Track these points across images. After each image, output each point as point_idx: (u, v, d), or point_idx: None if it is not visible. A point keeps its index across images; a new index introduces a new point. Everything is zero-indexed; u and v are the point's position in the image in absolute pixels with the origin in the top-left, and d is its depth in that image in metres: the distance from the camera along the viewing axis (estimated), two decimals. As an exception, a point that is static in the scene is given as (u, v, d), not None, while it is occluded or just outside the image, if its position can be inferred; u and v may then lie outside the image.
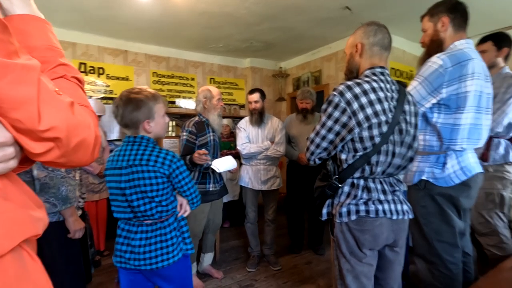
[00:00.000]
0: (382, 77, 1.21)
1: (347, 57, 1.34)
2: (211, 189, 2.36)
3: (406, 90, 1.28)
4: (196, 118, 2.39)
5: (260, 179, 2.73)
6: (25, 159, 0.50)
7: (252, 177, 2.75)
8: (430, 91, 1.43)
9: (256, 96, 2.73)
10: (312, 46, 4.48)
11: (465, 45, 1.47)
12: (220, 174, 2.44)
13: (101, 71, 3.94)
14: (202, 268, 2.65)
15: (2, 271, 0.42)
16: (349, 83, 1.16)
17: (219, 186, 2.44)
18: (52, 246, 1.52)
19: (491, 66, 1.95)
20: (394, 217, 1.18)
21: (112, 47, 4.01)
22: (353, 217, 1.16)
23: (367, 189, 1.18)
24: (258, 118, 2.74)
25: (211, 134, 2.37)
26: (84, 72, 3.82)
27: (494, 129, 1.90)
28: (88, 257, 2.50)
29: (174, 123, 4.37)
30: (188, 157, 2.18)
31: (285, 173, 3.22)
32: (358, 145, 1.15)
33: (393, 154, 1.17)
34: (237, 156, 3.04)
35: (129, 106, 1.33)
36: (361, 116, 1.12)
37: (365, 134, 1.13)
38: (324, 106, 1.21)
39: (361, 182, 1.19)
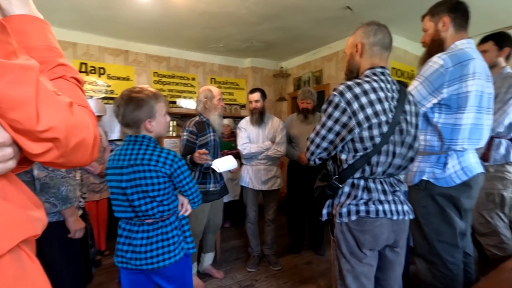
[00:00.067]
0: (382, 77, 1.20)
1: (347, 57, 1.34)
2: (211, 189, 2.36)
3: (407, 90, 1.28)
4: (197, 118, 2.39)
5: (261, 179, 2.73)
6: (24, 159, 0.50)
7: (252, 177, 2.75)
8: (431, 91, 1.42)
9: (256, 96, 2.73)
10: (313, 46, 4.48)
11: (466, 45, 1.47)
12: (220, 174, 2.44)
13: (102, 71, 3.94)
14: (203, 268, 2.65)
15: (1, 272, 0.42)
16: (349, 83, 1.16)
17: (219, 186, 2.44)
18: (53, 246, 1.52)
19: (492, 66, 1.95)
20: (395, 217, 1.18)
21: (112, 47, 4.01)
22: (353, 218, 1.16)
23: (367, 189, 1.18)
24: (259, 117, 2.74)
25: (211, 134, 2.37)
26: (85, 72, 3.82)
27: (495, 129, 1.90)
28: (88, 257, 2.51)
29: (175, 123, 4.38)
30: (188, 157, 2.18)
31: (286, 173, 3.22)
32: (358, 145, 1.15)
33: (394, 154, 1.16)
34: (237, 156, 3.04)
35: (131, 105, 1.32)
36: (361, 116, 1.11)
37: (365, 134, 1.13)
38: (324, 106, 1.21)
39: (362, 182, 1.19)
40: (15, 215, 0.45)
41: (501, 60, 2.02)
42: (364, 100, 1.12)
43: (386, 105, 1.14)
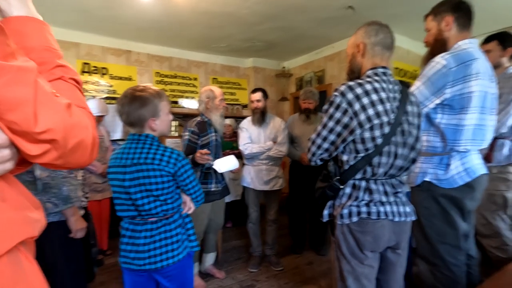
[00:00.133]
0: (384, 77, 1.19)
1: (349, 57, 1.33)
2: (213, 189, 2.36)
3: (409, 91, 1.27)
4: (199, 118, 2.39)
5: (262, 179, 2.72)
6: (23, 160, 0.50)
7: (254, 177, 2.74)
8: (434, 92, 1.41)
9: (258, 95, 2.72)
10: (315, 46, 4.47)
11: (469, 45, 1.45)
12: (222, 174, 2.44)
13: (104, 71, 3.96)
14: (204, 268, 2.65)
15: (-2, 273, 0.42)
16: (351, 83, 1.15)
17: (221, 186, 2.43)
18: (54, 245, 1.53)
19: (496, 66, 1.93)
20: (396, 219, 1.17)
21: (115, 47, 4.02)
22: (354, 219, 1.15)
23: (368, 190, 1.17)
24: (260, 117, 2.74)
25: (213, 134, 2.37)
26: (88, 72, 3.84)
27: (499, 130, 1.88)
28: (90, 256, 2.51)
29: (177, 123, 4.38)
30: (190, 157, 2.19)
31: (288, 173, 3.21)
32: (360, 146, 1.14)
33: (395, 155, 1.16)
34: (239, 156, 3.04)
35: (135, 103, 1.31)
36: (362, 117, 1.11)
37: (367, 135, 1.12)
38: (325, 107, 1.20)
39: (363, 183, 1.18)
40: (12, 216, 0.45)
41: (505, 60, 2.00)
42: (365, 100, 1.11)
43: (387, 105, 1.13)
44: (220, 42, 4.25)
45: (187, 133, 2.31)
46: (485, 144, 1.52)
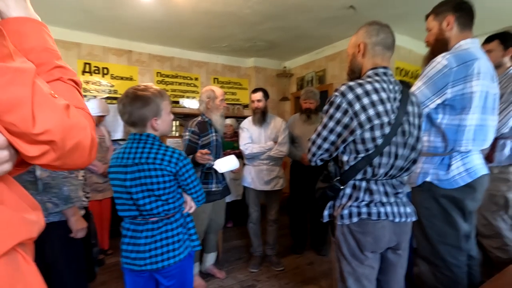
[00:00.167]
0: (385, 78, 1.19)
1: (349, 57, 1.33)
2: (213, 189, 2.36)
3: (410, 91, 1.27)
4: (199, 118, 2.39)
5: (263, 179, 2.72)
6: (21, 161, 0.50)
7: (254, 178, 2.74)
8: (435, 92, 1.40)
9: (259, 95, 2.72)
10: (316, 46, 4.46)
11: (471, 45, 1.45)
12: (223, 174, 2.44)
13: (105, 71, 3.96)
14: (205, 268, 2.65)
15: (-4, 274, 0.42)
16: (351, 83, 1.15)
17: (221, 186, 2.43)
18: (55, 245, 1.53)
19: (498, 66, 1.92)
20: (397, 219, 1.16)
21: (116, 47, 4.03)
22: (355, 220, 1.15)
23: (369, 191, 1.17)
24: (261, 117, 2.74)
25: (213, 134, 2.37)
26: (89, 72, 3.85)
27: (500, 130, 1.87)
28: (92, 256, 2.52)
29: (177, 122, 4.38)
30: (190, 156, 2.19)
31: (289, 173, 3.21)
32: (360, 147, 1.14)
33: (396, 156, 1.15)
34: (240, 156, 3.03)
35: (137, 103, 1.30)
36: (363, 117, 1.10)
37: (367, 135, 1.11)
38: (325, 107, 1.20)
39: (363, 184, 1.17)
40: (9, 218, 0.45)
41: (507, 60, 1.99)
42: (366, 101, 1.11)
43: (388, 106, 1.12)
44: (221, 42, 4.25)
45: (187, 133, 2.31)
46: (487, 144, 1.52)
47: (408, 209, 1.22)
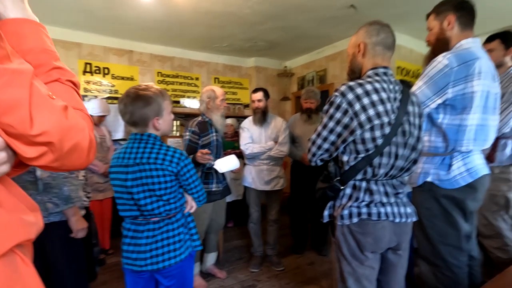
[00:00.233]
0: (385, 78, 1.18)
1: (349, 57, 1.33)
2: (214, 189, 2.37)
3: (410, 91, 1.26)
4: (199, 118, 2.39)
5: (263, 179, 2.72)
6: (20, 163, 0.50)
7: (255, 177, 2.74)
8: (436, 91, 1.40)
9: (259, 95, 2.72)
10: (317, 45, 4.45)
11: (472, 44, 1.44)
12: (223, 174, 2.44)
13: (106, 71, 3.96)
14: (205, 267, 2.65)
15: (-7, 276, 0.42)
16: (351, 83, 1.14)
17: (222, 186, 2.43)
18: (55, 245, 1.54)
19: (499, 65, 1.91)
20: (397, 220, 1.16)
21: (117, 47, 4.03)
22: (355, 220, 1.15)
23: (369, 191, 1.16)
24: (261, 117, 2.73)
25: (214, 134, 2.37)
26: (90, 72, 3.85)
27: (501, 130, 1.86)
28: (93, 256, 2.52)
29: (178, 122, 4.39)
30: (191, 156, 2.19)
31: (289, 173, 3.20)
32: (360, 147, 1.13)
33: (396, 156, 1.15)
34: (240, 155, 3.03)
35: (139, 102, 1.29)
36: (363, 117, 1.10)
37: (367, 135, 1.11)
38: (325, 107, 1.19)
39: (363, 184, 1.17)
40: (7, 219, 0.45)
41: (508, 59, 1.98)
42: (366, 101, 1.10)
43: (388, 106, 1.12)
44: (222, 42, 4.25)
45: (187, 133, 2.31)
46: (488, 144, 1.51)
47: (409, 210, 1.22)
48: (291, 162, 3.20)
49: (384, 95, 1.13)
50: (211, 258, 2.67)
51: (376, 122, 1.10)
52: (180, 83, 4.56)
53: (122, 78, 4.09)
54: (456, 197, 1.43)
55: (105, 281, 2.58)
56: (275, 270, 2.74)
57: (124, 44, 4.06)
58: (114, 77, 4.02)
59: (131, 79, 4.16)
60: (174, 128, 4.37)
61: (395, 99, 1.16)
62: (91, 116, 2.97)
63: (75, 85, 0.59)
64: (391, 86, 1.17)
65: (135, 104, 1.29)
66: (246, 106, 5.15)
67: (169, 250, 1.33)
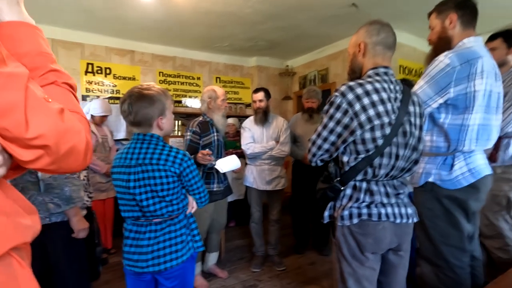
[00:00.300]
0: (385, 77, 1.18)
1: (350, 57, 1.32)
2: (215, 189, 2.37)
3: (411, 91, 1.25)
4: (200, 118, 2.39)
5: (265, 179, 2.72)
6: (17, 165, 0.50)
7: (256, 177, 2.74)
8: (437, 91, 1.39)
9: (260, 95, 2.71)
10: (318, 44, 4.43)
11: (474, 43, 1.43)
12: (224, 174, 2.44)
13: (108, 71, 3.98)
14: (207, 267, 2.66)
15: (-11, 279, 0.42)
16: (351, 83, 1.14)
17: (223, 186, 2.43)
18: (57, 245, 1.54)
19: (501, 64, 1.89)
20: (398, 220, 1.15)
21: (119, 47, 4.04)
22: (355, 221, 1.14)
23: (369, 192, 1.16)
24: (263, 117, 2.73)
25: (215, 134, 2.37)
26: (92, 72, 3.86)
27: (504, 129, 1.84)
28: (95, 255, 2.54)
29: (180, 122, 4.39)
30: (192, 157, 2.19)
31: (291, 173, 3.20)
32: (360, 147, 1.13)
33: (397, 156, 1.14)
34: (242, 155, 3.03)
35: (143, 102, 1.28)
36: (363, 117, 1.09)
37: (367, 136, 1.10)
38: (326, 107, 1.19)
39: (364, 184, 1.16)
40: (3, 223, 0.45)
41: (510, 58, 1.97)
42: (366, 101, 1.10)
43: (389, 106, 1.11)
44: (223, 42, 4.25)
45: (188, 133, 2.31)
46: (490, 144, 1.50)
47: (409, 210, 1.21)
48: (293, 162, 3.19)
49: (384, 95, 1.12)
50: (212, 258, 2.67)
51: (377, 122, 1.09)
52: (182, 83, 4.56)
53: (124, 78, 4.10)
54: (458, 198, 1.42)
55: (107, 280, 2.59)
56: (277, 270, 2.74)
57: (125, 44, 4.07)
58: (116, 77, 4.03)
59: (133, 79, 4.17)
60: (176, 128, 4.38)
61: (395, 99, 1.15)
62: (93, 116, 3.01)
63: (72, 87, 0.59)
64: (391, 86, 1.16)
65: (140, 103, 1.28)
66: (248, 105, 5.15)
67: (171, 252, 1.32)
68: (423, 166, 1.50)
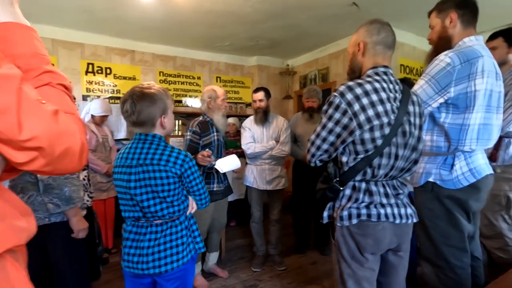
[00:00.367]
0: (385, 77, 1.17)
1: (349, 56, 1.31)
2: (215, 189, 2.37)
3: (411, 90, 1.24)
4: (200, 118, 2.39)
5: (265, 179, 2.71)
6: (12, 167, 0.50)
7: (257, 177, 2.73)
8: (438, 91, 1.38)
9: (260, 95, 2.71)
10: (319, 44, 4.43)
11: (475, 42, 1.42)
12: (224, 173, 2.43)
13: (108, 71, 3.98)
14: (207, 267, 2.66)
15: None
16: (350, 83, 1.13)
17: (223, 186, 2.43)
18: (57, 245, 1.54)
19: (502, 63, 1.87)
20: (397, 221, 1.15)
21: (119, 47, 4.04)
22: (354, 221, 1.13)
23: (369, 192, 1.15)
24: (263, 117, 2.72)
25: (215, 134, 2.37)
26: (92, 72, 3.87)
27: (505, 129, 1.83)
28: (96, 255, 2.54)
29: (180, 122, 4.39)
30: (192, 157, 2.19)
31: (291, 172, 3.19)
32: (360, 148, 1.12)
33: (396, 156, 1.13)
34: (242, 155, 3.03)
35: (146, 101, 1.27)
36: (362, 117, 1.08)
37: (367, 136, 1.10)
38: (325, 108, 1.18)
39: (363, 185, 1.16)
40: None
41: (511, 57, 1.95)
42: (365, 101, 1.09)
43: (388, 106, 1.11)
44: (224, 41, 4.24)
45: (188, 133, 2.31)
46: (491, 143, 1.49)
47: (409, 210, 1.20)
48: (293, 162, 3.19)
49: (383, 95, 1.11)
50: (213, 258, 2.67)
51: (376, 122, 1.08)
52: (182, 83, 4.56)
53: (124, 78, 4.10)
54: (459, 198, 1.41)
55: (108, 280, 2.60)
56: (277, 270, 2.74)
57: (126, 44, 4.07)
58: (116, 77, 4.04)
59: (133, 79, 4.18)
60: (176, 127, 4.38)
61: (395, 99, 1.14)
62: (94, 116, 3.01)
63: (67, 88, 0.59)
64: (391, 86, 1.16)
65: (142, 103, 1.27)
66: (248, 105, 5.14)
67: (172, 254, 1.31)
68: (424, 166, 1.50)
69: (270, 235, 2.87)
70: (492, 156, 1.89)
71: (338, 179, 1.18)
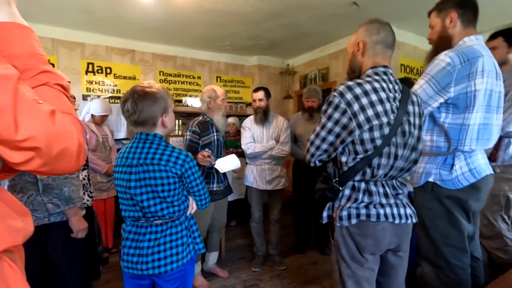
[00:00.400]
0: (384, 77, 1.17)
1: (349, 56, 1.31)
2: (215, 189, 2.36)
3: (411, 90, 1.24)
4: (200, 118, 2.39)
5: (265, 178, 2.71)
6: (10, 167, 0.50)
7: (257, 177, 2.73)
8: (438, 90, 1.38)
9: (260, 94, 2.70)
10: (319, 43, 4.42)
11: (475, 42, 1.42)
12: (224, 173, 2.43)
13: (108, 70, 3.98)
14: (207, 267, 2.66)
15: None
16: (350, 83, 1.13)
17: (223, 186, 2.43)
18: (57, 245, 1.54)
19: (502, 63, 1.87)
20: (397, 221, 1.14)
21: (119, 47, 4.05)
22: (354, 221, 1.13)
23: (368, 192, 1.15)
24: (263, 116, 2.72)
25: (214, 134, 2.37)
26: (92, 71, 3.87)
27: (505, 129, 1.83)
28: (96, 255, 2.55)
29: (180, 121, 4.39)
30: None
31: (292, 172, 3.19)
32: (359, 148, 1.12)
33: (396, 156, 1.13)
34: (243, 155, 3.03)
35: (147, 100, 1.27)
36: (361, 117, 1.08)
37: (366, 136, 1.09)
38: (324, 107, 1.18)
39: (362, 185, 1.15)
40: None
41: (511, 57, 1.95)
42: (364, 101, 1.08)
43: (387, 106, 1.10)
44: (224, 41, 4.24)
45: (188, 133, 2.31)
46: (491, 143, 1.49)
47: (409, 210, 1.20)
48: (293, 161, 3.18)
49: (383, 95, 1.11)
50: (213, 257, 2.67)
51: (375, 122, 1.08)
52: (182, 82, 4.56)
53: (125, 77, 4.10)
54: (459, 198, 1.41)
55: (108, 279, 2.60)
56: (278, 270, 2.74)
57: (126, 43, 4.07)
58: (116, 76, 4.04)
59: (134, 78, 4.18)
60: (176, 127, 4.38)
61: (394, 98, 1.14)
62: (94, 115, 3.01)
63: (65, 88, 0.59)
64: (390, 86, 1.15)
65: (143, 102, 1.27)
66: (249, 105, 5.14)
67: (171, 254, 1.30)
68: (423, 166, 1.49)
69: (270, 235, 2.87)
70: (492, 156, 1.89)
71: (337, 179, 1.18)
